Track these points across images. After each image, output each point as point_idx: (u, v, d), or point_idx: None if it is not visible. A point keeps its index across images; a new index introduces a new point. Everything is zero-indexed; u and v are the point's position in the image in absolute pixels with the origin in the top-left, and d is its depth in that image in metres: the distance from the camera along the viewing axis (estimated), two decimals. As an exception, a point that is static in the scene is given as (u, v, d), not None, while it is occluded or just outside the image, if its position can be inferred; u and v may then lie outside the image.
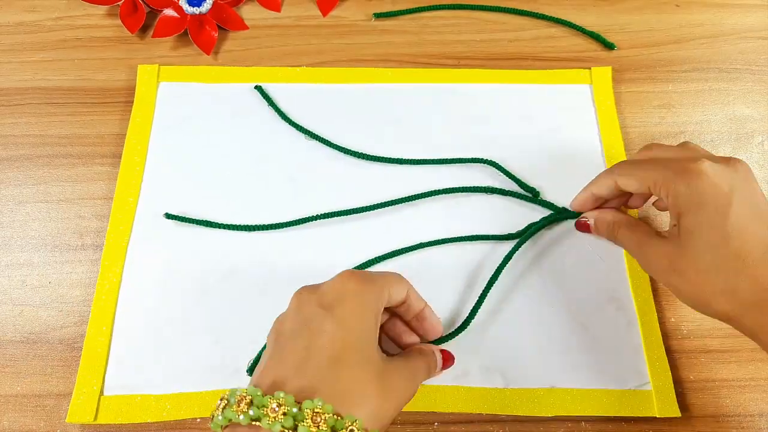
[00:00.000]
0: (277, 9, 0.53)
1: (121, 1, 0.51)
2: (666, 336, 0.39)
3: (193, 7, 0.50)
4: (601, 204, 0.38)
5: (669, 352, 0.38)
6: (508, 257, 0.40)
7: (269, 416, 0.23)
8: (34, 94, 0.48)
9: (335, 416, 0.23)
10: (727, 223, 0.29)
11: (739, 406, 0.37)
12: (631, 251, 0.35)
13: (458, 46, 0.51)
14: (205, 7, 0.50)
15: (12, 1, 0.52)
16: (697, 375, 0.38)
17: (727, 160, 0.31)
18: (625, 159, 0.37)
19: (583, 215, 0.39)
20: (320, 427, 0.23)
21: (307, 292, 0.30)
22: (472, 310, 0.38)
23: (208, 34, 0.50)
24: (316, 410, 0.23)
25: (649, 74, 0.49)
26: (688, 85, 0.49)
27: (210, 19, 0.50)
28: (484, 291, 0.39)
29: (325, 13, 0.52)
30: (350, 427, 0.23)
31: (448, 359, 0.35)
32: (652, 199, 0.39)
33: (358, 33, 0.51)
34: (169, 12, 0.51)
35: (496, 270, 0.39)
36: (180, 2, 0.50)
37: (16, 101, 0.47)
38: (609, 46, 0.50)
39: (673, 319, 0.40)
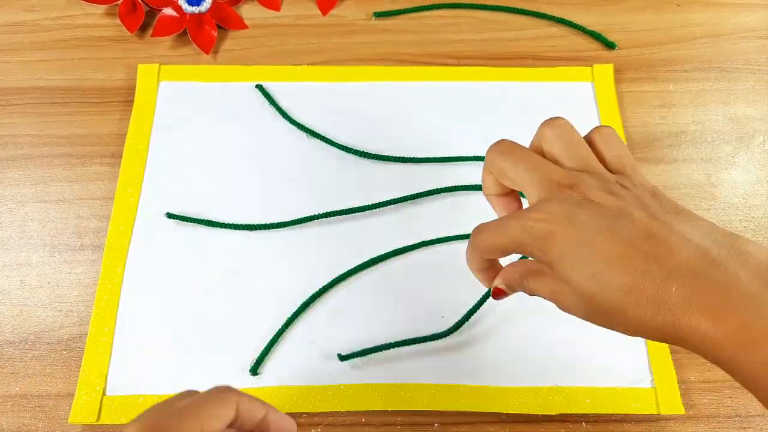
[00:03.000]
0: (277, 8, 0.53)
1: (120, 1, 0.50)
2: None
3: (193, 6, 0.50)
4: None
5: (671, 352, 0.38)
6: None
7: None
8: (32, 94, 0.48)
9: None
10: (583, 253, 0.25)
11: (741, 406, 0.37)
12: (547, 299, 0.30)
13: (459, 46, 0.51)
14: (205, 6, 0.50)
15: (10, 0, 0.52)
16: (699, 375, 0.38)
17: (563, 191, 0.27)
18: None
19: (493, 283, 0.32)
20: None
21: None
22: (469, 311, 0.38)
23: (208, 34, 0.50)
24: None
25: (650, 74, 0.49)
26: (689, 84, 0.49)
27: (209, 18, 0.50)
28: (484, 295, 0.39)
29: (324, 12, 0.52)
30: None
31: None
32: None
33: (358, 32, 0.51)
34: (168, 11, 0.50)
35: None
36: (179, 1, 0.50)
37: (14, 101, 0.47)
38: (610, 45, 0.50)
39: (674, 320, 0.40)
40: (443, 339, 0.38)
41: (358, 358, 0.37)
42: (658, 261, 0.23)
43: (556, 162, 0.29)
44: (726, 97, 0.48)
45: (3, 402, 0.37)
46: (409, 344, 0.38)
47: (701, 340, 0.22)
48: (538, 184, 0.28)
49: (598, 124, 0.46)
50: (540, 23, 0.52)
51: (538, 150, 0.30)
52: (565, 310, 0.29)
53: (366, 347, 0.38)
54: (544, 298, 0.29)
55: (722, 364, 0.22)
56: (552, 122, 0.30)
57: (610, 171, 0.28)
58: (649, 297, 0.23)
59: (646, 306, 0.23)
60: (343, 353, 0.38)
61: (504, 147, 0.30)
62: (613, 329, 0.26)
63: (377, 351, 0.37)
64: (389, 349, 0.37)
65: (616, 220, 0.25)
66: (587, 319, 0.28)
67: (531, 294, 0.30)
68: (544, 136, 0.30)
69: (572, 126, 0.29)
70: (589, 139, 0.30)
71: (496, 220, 0.30)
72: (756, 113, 0.48)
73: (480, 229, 0.30)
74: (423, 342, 0.38)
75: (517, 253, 0.28)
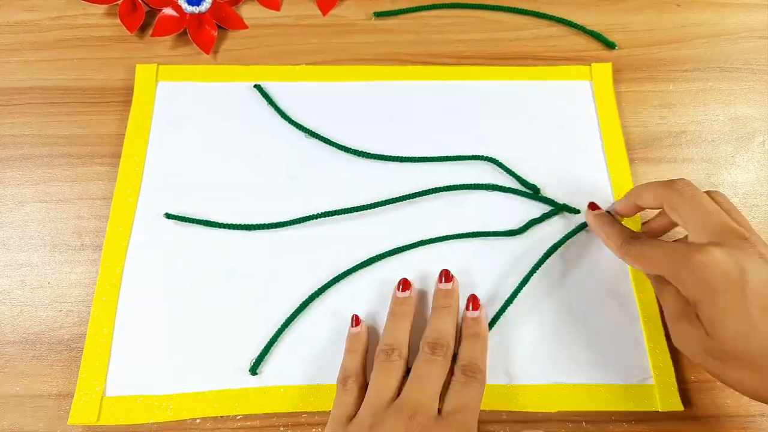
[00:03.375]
0: (277, 8, 0.53)
1: (120, 1, 0.50)
2: (669, 337, 0.39)
3: (193, 6, 0.50)
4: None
5: (672, 352, 0.38)
6: (534, 268, 0.40)
7: None
8: (32, 94, 0.48)
9: None
10: (748, 310, 0.28)
11: (741, 406, 0.37)
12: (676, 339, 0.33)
13: (459, 46, 0.51)
14: (205, 6, 0.50)
15: (11, 0, 0.52)
16: (699, 375, 0.38)
17: (738, 241, 0.30)
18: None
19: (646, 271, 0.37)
20: None
21: None
22: (499, 310, 0.39)
23: (208, 34, 0.50)
24: None
25: (650, 74, 0.49)
26: (689, 84, 0.49)
27: (209, 18, 0.50)
28: (511, 295, 0.39)
29: (325, 12, 0.52)
30: None
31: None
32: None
33: (358, 32, 0.51)
34: (168, 11, 0.50)
35: (526, 275, 0.40)
36: (179, 1, 0.50)
37: (14, 101, 0.47)
38: (610, 45, 0.50)
39: (674, 320, 0.40)
40: None
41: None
42: None
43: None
44: (726, 97, 0.48)
45: (3, 402, 0.37)
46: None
47: None
48: (712, 227, 0.31)
49: (596, 123, 0.46)
50: (540, 23, 0.52)
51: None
52: (678, 344, 0.33)
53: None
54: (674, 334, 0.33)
55: None
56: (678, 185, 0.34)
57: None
58: None
59: None
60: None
61: (683, 186, 0.34)
62: (726, 382, 0.30)
63: None
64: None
65: None
66: (705, 365, 0.31)
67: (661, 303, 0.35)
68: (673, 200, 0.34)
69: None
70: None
71: (657, 241, 0.34)
72: (756, 113, 0.48)
73: (637, 238, 0.35)
74: None
75: (666, 278, 0.32)
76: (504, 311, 0.39)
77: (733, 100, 0.48)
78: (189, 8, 0.50)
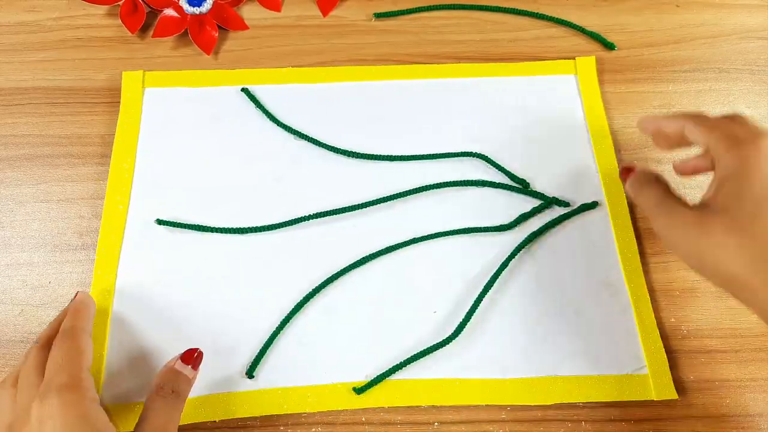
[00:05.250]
0: (278, 9, 0.53)
1: (122, 1, 0.51)
2: (666, 336, 0.39)
3: (194, 7, 0.50)
4: (665, 141, 0.38)
5: (669, 352, 0.39)
6: (505, 263, 0.41)
7: None
8: (34, 94, 0.48)
9: None
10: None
11: (740, 406, 0.37)
12: (650, 208, 0.34)
13: (458, 46, 0.51)
14: (206, 7, 0.50)
15: (12, 0, 0.52)
16: (698, 375, 0.38)
17: None
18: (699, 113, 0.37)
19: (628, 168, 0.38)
20: None
21: None
22: (466, 314, 0.39)
23: (209, 34, 0.50)
24: None
25: (649, 74, 0.49)
26: (689, 85, 0.49)
27: (210, 19, 0.50)
28: (479, 295, 0.39)
29: (325, 13, 0.52)
30: None
31: (188, 357, 0.35)
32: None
33: (359, 33, 0.51)
34: (169, 12, 0.51)
35: (495, 272, 0.40)
36: (180, 2, 0.50)
37: (16, 101, 0.47)
38: (609, 46, 0.50)
39: (673, 320, 0.40)
40: (443, 339, 0.38)
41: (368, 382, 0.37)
42: None
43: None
44: (725, 98, 0.48)
45: (4, 401, 0.37)
46: (416, 359, 0.38)
47: None
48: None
49: (582, 116, 0.46)
50: (539, 24, 0.52)
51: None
52: (669, 232, 0.32)
53: (377, 374, 0.37)
54: (646, 205, 0.35)
55: None
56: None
57: None
58: None
59: None
60: (346, 361, 0.38)
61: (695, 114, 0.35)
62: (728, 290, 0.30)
63: (389, 375, 0.37)
64: (399, 369, 0.37)
65: None
66: (687, 241, 0.32)
67: (639, 195, 0.36)
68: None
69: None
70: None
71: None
72: (755, 114, 0.48)
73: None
74: (428, 353, 0.38)
75: (712, 154, 0.33)
76: (485, 294, 0.39)
77: (733, 100, 0.48)
78: (190, 9, 0.50)
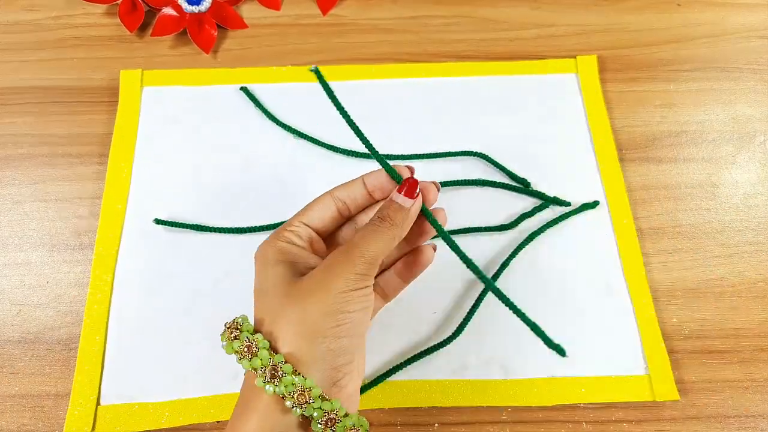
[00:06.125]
0: (277, 8, 0.52)
1: (120, 0, 0.50)
2: (668, 337, 0.39)
3: (193, 5, 0.50)
4: None
5: (671, 352, 0.38)
6: (505, 263, 0.40)
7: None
8: (32, 94, 0.48)
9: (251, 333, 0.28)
10: None
11: (741, 406, 0.37)
12: None
13: (459, 45, 0.50)
14: (205, 5, 0.50)
15: (11, 0, 0.52)
16: (699, 376, 0.38)
17: None
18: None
19: None
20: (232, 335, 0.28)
21: None
22: (467, 314, 0.38)
23: (208, 33, 0.50)
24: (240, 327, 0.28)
25: (650, 73, 0.49)
26: (690, 84, 0.49)
27: (209, 17, 0.50)
28: (479, 295, 0.39)
29: (325, 11, 0.52)
30: (257, 341, 0.27)
31: (409, 188, 0.30)
32: None
33: (359, 32, 0.51)
34: (168, 11, 0.50)
35: (496, 272, 0.40)
36: (179, 1, 0.50)
37: (14, 100, 0.47)
38: (560, 352, 0.50)
39: (674, 320, 0.40)
40: (443, 340, 0.38)
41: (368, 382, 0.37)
42: None
43: None
44: (727, 97, 0.48)
45: (2, 401, 0.37)
46: (416, 359, 0.37)
47: None
48: None
49: (583, 115, 0.46)
50: (541, 23, 0.52)
51: None
52: None
53: (377, 375, 0.37)
54: None
55: None
56: None
57: None
58: None
59: None
60: None
61: None
62: None
63: (389, 376, 0.37)
64: (399, 370, 0.37)
65: None
66: None
67: None
68: None
69: None
70: None
71: None
72: (757, 113, 0.48)
73: None
74: (428, 354, 0.38)
75: None
76: (485, 294, 0.39)
77: (734, 99, 0.48)
78: (189, 8, 0.50)
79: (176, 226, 0.42)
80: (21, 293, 0.40)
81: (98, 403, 0.37)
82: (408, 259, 0.33)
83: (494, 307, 0.39)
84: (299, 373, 0.25)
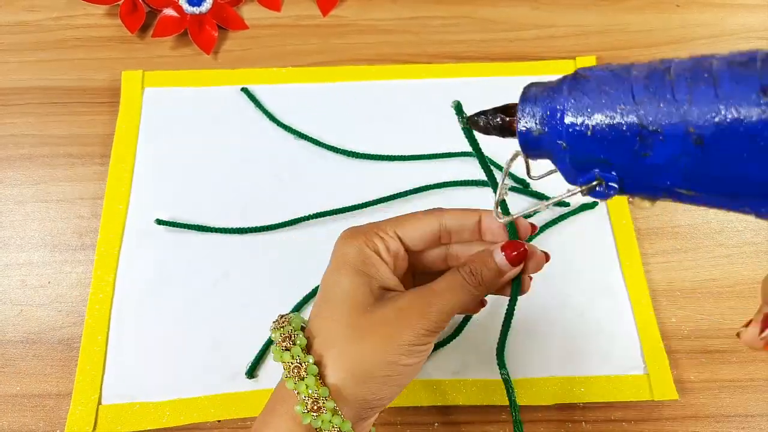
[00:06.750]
0: (277, 9, 0.53)
1: (121, 1, 0.50)
2: (667, 336, 0.39)
3: (193, 6, 0.50)
4: None
5: (669, 352, 0.38)
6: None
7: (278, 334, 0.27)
8: (33, 94, 0.48)
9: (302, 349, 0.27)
10: None
11: (740, 406, 0.37)
12: None
13: (458, 46, 0.51)
14: (205, 6, 0.50)
15: (11, 0, 0.52)
16: (698, 375, 0.38)
17: None
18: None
19: None
20: (285, 346, 0.27)
21: None
22: (467, 314, 0.38)
23: (208, 34, 0.50)
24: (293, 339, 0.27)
25: (649, 74, 0.49)
26: (689, 85, 0.49)
27: (210, 18, 0.50)
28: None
29: (325, 12, 0.52)
30: (307, 366, 0.26)
31: (516, 256, 0.28)
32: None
33: (359, 33, 0.51)
34: (169, 12, 0.50)
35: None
36: (180, 2, 0.50)
37: (15, 101, 0.47)
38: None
39: (674, 320, 0.40)
40: (443, 340, 0.38)
41: None
42: None
43: None
44: (726, 98, 0.48)
45: (4, 401, 0.37)
46: None
47: None
48: None
49: None
50: (540, 23, 0.52)
51: None
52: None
53: None
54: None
55: None
56: None
57: None
58: None
59: None
60: None
61: None
62: None
63: None
64: None
65: None
66: None
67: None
68: None
69: None
70: None
71: None
72: (755, 113, 0.48)
73: None
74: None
75: None
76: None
77: (733, 100, 0.48)
78: (190, 9, 0.50)
79: (177, 227, 0.42)
80: (23, 293, 0.40)
81: (99, 403, 0.37)
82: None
83: (494, 307, 0.40)
84: (339, 412, 0.25)
